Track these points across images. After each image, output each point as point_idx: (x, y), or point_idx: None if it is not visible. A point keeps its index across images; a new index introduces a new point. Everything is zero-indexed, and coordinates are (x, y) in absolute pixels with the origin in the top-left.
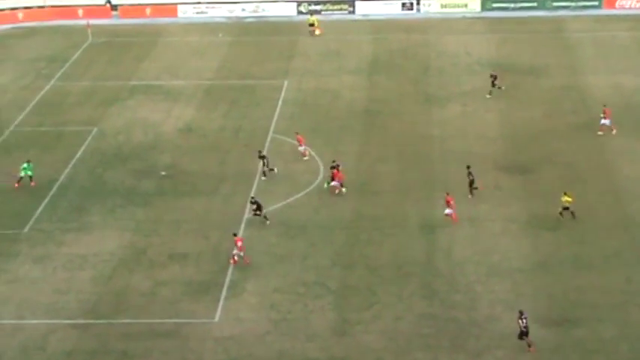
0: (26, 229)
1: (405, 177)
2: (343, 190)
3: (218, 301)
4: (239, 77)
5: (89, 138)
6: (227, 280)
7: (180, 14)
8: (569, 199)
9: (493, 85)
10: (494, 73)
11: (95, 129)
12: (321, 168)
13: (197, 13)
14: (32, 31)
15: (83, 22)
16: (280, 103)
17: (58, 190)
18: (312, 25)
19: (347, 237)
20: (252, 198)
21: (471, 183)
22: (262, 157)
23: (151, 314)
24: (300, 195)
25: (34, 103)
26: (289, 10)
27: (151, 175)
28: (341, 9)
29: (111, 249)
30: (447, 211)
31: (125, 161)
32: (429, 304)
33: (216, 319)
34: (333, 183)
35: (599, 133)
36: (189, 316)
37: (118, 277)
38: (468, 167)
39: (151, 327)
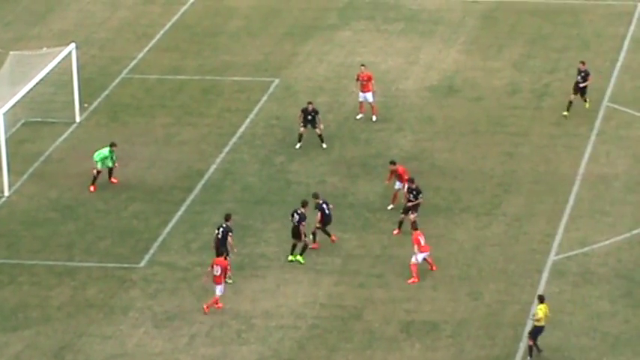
0: (142, 263)
1: None
2: None
3: None
4: None
5: (264, 98)
6: None
7: None
8: None
9: None
10: None
11: (276, 81)
12: None
13: None
14: None
15: None
16: None
17: (213, 192)
18: None
19: None
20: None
21: None
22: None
23: None
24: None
25: (169, 26)
26: None
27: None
28: None
29: (295, 307)
30: None
31: (330, 143)
32: None
33: None
34: None
35: None
36: None
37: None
38: None
39: None
